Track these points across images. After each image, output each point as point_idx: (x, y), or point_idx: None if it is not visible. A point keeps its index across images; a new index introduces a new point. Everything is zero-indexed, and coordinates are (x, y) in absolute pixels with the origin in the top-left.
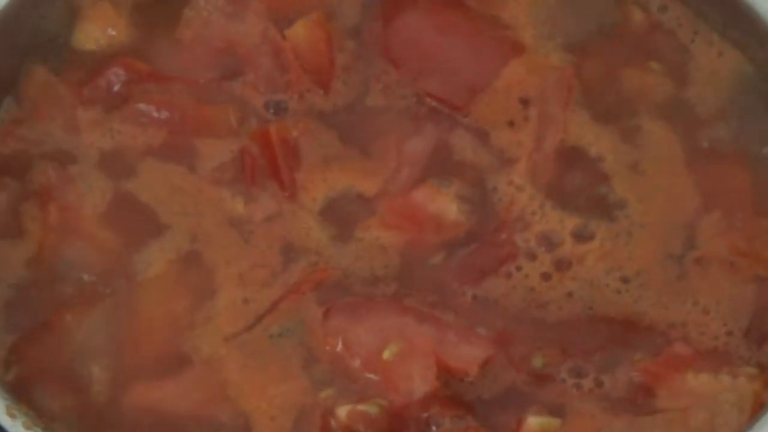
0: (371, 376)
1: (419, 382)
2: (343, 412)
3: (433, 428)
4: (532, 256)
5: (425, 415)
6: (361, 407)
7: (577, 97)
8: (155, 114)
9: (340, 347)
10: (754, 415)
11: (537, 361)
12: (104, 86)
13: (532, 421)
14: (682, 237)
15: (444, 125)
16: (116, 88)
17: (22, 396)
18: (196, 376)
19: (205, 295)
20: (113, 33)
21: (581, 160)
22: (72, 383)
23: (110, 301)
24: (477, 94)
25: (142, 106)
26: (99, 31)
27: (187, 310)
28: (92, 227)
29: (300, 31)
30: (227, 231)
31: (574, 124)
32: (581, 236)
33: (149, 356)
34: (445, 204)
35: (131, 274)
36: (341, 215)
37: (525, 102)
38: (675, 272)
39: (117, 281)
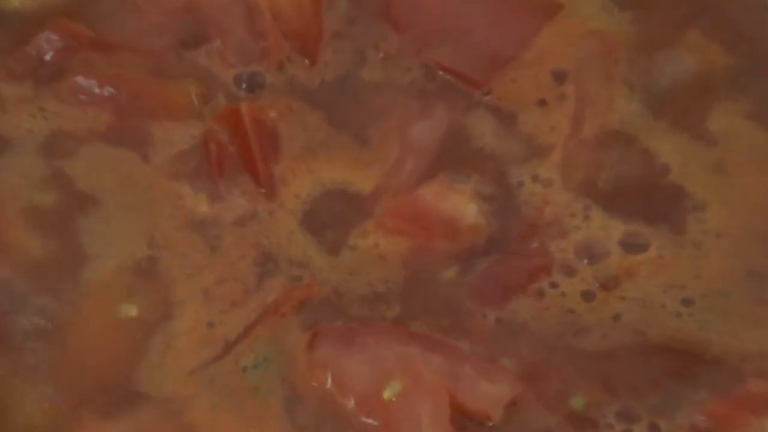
0: (369, 420)
1: (429, 427)
2: None
3: None
4: (571, 270)
5: None
6: None
7: (625, 69)
8: (98, 90)
9: (329, 383)
10: None
11: (576, 402)
12: (34, 55)
13: None
14: None
15: (459, 105)
16: (49, 57)
17: None
18: (154, 418)
19: (161, 316)
20: None
21: (631, 150)
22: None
23: (43, 326)
24: (500, 66)
25: (81, 80)
26: None
27: (140, 335)
28: (16, 232)
29: None
30: (188, 236)
31: (623, 104)
32: (632, 246)
33: (95, 391)
34: (460, 204)
35: (68, 290)
36: (331, 217)
37: (560, 76)
38: (756, 293)
39: (50, 301)
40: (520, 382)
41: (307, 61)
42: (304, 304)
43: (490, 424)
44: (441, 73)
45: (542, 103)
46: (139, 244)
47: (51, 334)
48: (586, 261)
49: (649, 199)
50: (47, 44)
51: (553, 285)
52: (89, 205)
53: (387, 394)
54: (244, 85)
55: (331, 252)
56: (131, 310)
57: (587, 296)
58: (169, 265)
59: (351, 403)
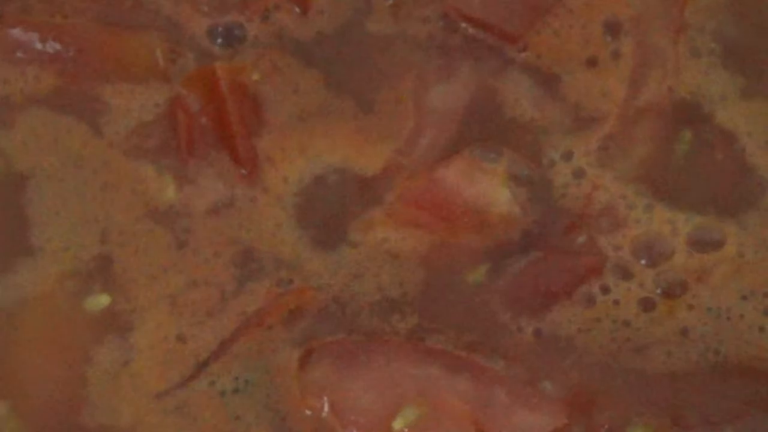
0: None
1: None
2: None
3: None
4: (626, 273)
5: None
6: None
7: (697, 18)
8: (40, 46)
9: (326, 412)
10: None
11: None
12: None
13: None
14: None
15: (487, 65)
16: None
17: None
18: None
19: (119, 327)
20: None
21: (703, 123)
22: None
23: None
24: (539, 15)
25: (18, 33)
26: None
27: (91, 351)
28: None
29: None
30: (150, 229)
31: (693, 64)
32: (703, 243)
33: (35, 422)
34: (489, 188)
35: (3, 293)
36: (328, 206)
37: (614, 27)
38: None
39: None
40: (565, 410)
41: (297, 8)
42: (295, 314)
43: None
44: (465, 24)
45: (591, 62)
46: (90, 237)
47: None
48: (644, 262)
49: (725, 185)
50: None
51: (605, 289)
52: (26, 188)
53: (398, 424)
54: (219, 39)
55: (329, 249)
56: (79, 319)
57: (647, 305)
58: (126, 264)
59: None
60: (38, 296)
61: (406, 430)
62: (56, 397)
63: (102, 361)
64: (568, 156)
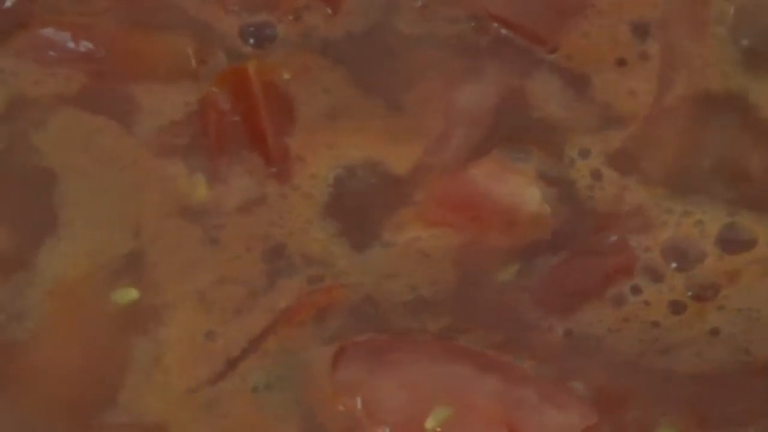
0: None
1: None
2: None
3: None
4: (656, 275)
5: None
6: None
7: (723, 17)
8: (71, 45)
9: (358, 409)
10: None
11: None
12: None
13: None
14: None
15: (517, 65)
16: (8, 3)
17: None
18: None
19: (148, 323)
20: None
21: (732, 120)
22: None
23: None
24: (569, 17)
25: (50, 32)
26: None
27: (121, 347)
28: None
29: None
30: (182, 226)
31: (720, 62)
32: (733, 243)
33: (64, 416)
34: (519, 187)
35: (31, 291)
36: (358, 204)
37: (641, 29)
38: None
39: (8, 306)
40: (595, 409)
41: (328, 8)
42: (326, 312)
43: None
44: (495, 25)
45: (620, 62)
46: (120, 234)
47: (9, 344)
48: (675, 265)
49: (755, 183)
50: None
51: (636, 290)
52: (58, 185)
53: (430, 424)
54: (251, 40)
55: (360, 247)
56: (106, 313)
57: (676, 307)
58: (156, 260)
59: None
60: (66, 287)
61: (439, 429)
62: (83, 391)
63: (130, 357)
64: (597, 156)
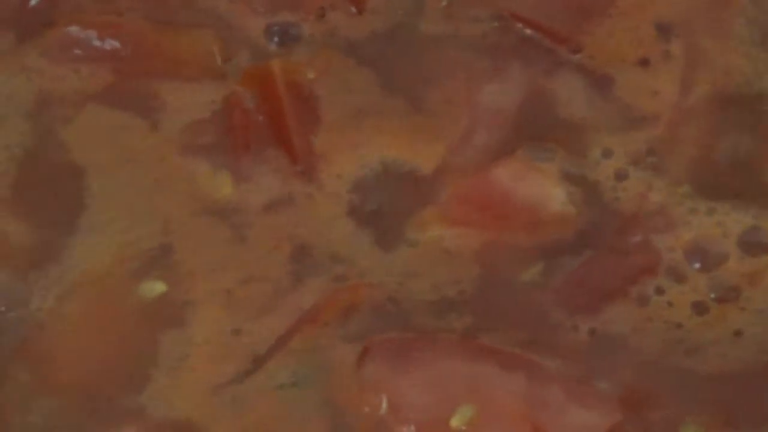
0: None
1: None
2: None
3: None
4: (680, 276)
5: None
6: None
7: (745, 17)
8: (97, 43)
9: (384, 408)
10: None
11: None
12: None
13: None
14: None
15: (541, 65)
16: (34, 2)
17: None
18: None
19: (175, 319)
20: None
21: (754, 120)
22: None
23: (25, 327)
24: (592, 16)
25: (76, 30)
26: None
27: (147, 343)
28: None
29: None
30: (207, 224)
31: (742, 62)
32: (755, 245)
33: (87, 412)
34: (543, 187)
35: (58, 287)
36: (382, 203)
37: (665, 29)
38: None
39: (35, 299)
40: (619, 408)
41: (353, 7)
42: (350, 311)
43: None
44: (519, 25)
45: (644, 62)
46: (147, 231)
47: (35, 338)
48: (697, 266)
49: None
50: None
51: (659, 290)
52: (85, 182)
53: (456, 422)
54: (275, 39)
55: (384, 246)
56: (138, 310)
57: (700, 309)
58: (183, 257)
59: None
60: (93, 281)
61: (464, 427)
62: (109, 385)
63: (157, 352)
64: (620, 156)
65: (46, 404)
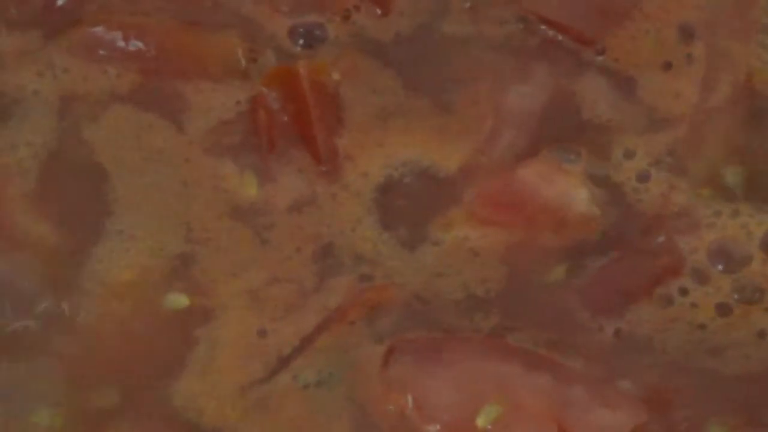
0: None
1: None
2: None
3: None
4: (703, 277)
5: None
6: None
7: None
8: (122, 44)
9: (410, 407)
10: None
11: None
12: None
13: None
14: None
15: (565, 67)
16: (60, 2)
17: None
18: None
19: (201, 321)
20: None
21: None
22: None
23: (55, 329)
24: (617, 19)
25: (101, 31)
26: None
27: (173, 345)
28: (20, 217)
29: None
30: (233, 226)
31: (764, 65)
32: None
33: (118, 407)
34: (568, 188)
35: (86, 289)
36: (407, 203)
37: (687, 33)
38: None
39: (64, 300)
40: (644, 408)
41: (378, 9)
42: (376, 310)
43: None
44: (543, 26)
45: (666, 65)
46: (172, 231)
47: (65, 339)
48: (721, 267)
49: None
50: None
51: (683, 291)
52: (110, 182)
53: (481, 422)
54: (301, 40)
55: (409, 246)
56: (163, 312)
57: (723, 310)
58: (207, 259)
59: (436, 430)
60: (118, 282)
61: (490, 427)
62: (136, 389)
63: (183, 354)
64: (643, 157)
65: (75, 402)
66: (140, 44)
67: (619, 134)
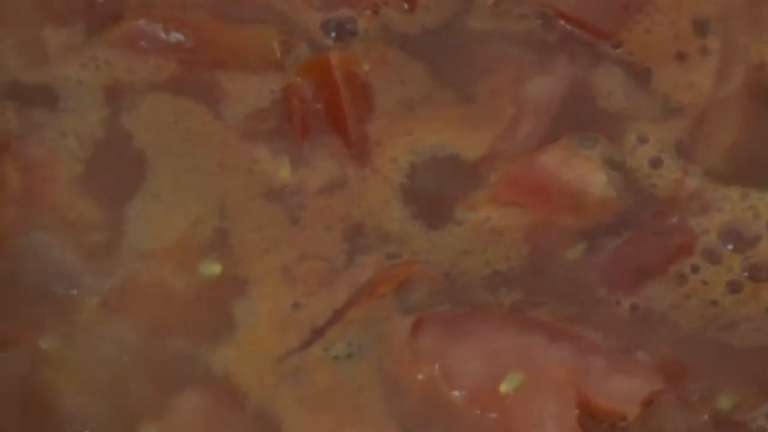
0: (483, 414)
1: (553, 428)
2: None
3: None
4: (715, 257)
5: None
6: None
7: None
8: (162, 36)
9: (436, 375)
10: None
11: (723, 402)
12: None
13: None
14: None
15: (583, 59)
16: None
17: None
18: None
19: (234, 291)
20: None
21: None
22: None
23: (98, 308)
24: (632, 13)
25: (144, 24)
26: None
27: (210, 316)
28: (67, 198)
29: None
30: (266, 206)
31: None
32: None
33: (165, 364)
34: (586, 172)
35: (125, 263)
36: (433, 186)
37: (701, 25)
38: None
39: (109, 275)
40: (659, 378)
41: (406, 4)
42: (404, 286)
43: (623, 424)
44: (562, 21)
45: (681, 57)
46: (208, 210)
47: (113, 310)
48: (731, 246)
49: None
50: None
51: (695, 269)
52: (149, 164)
53: (504, 388)
54: (333, 33)
55: (434, 226)
56: (198, 285)
57: (734, 287)
58: (241, 236)
59: (462, 396)
60: (156, 257)
61: (512, 393)
62: (172, 358)
63: (219, 326)
64: (656, 143)
65: (113, 365)
66: (180, 36)
67: (634, 122)
